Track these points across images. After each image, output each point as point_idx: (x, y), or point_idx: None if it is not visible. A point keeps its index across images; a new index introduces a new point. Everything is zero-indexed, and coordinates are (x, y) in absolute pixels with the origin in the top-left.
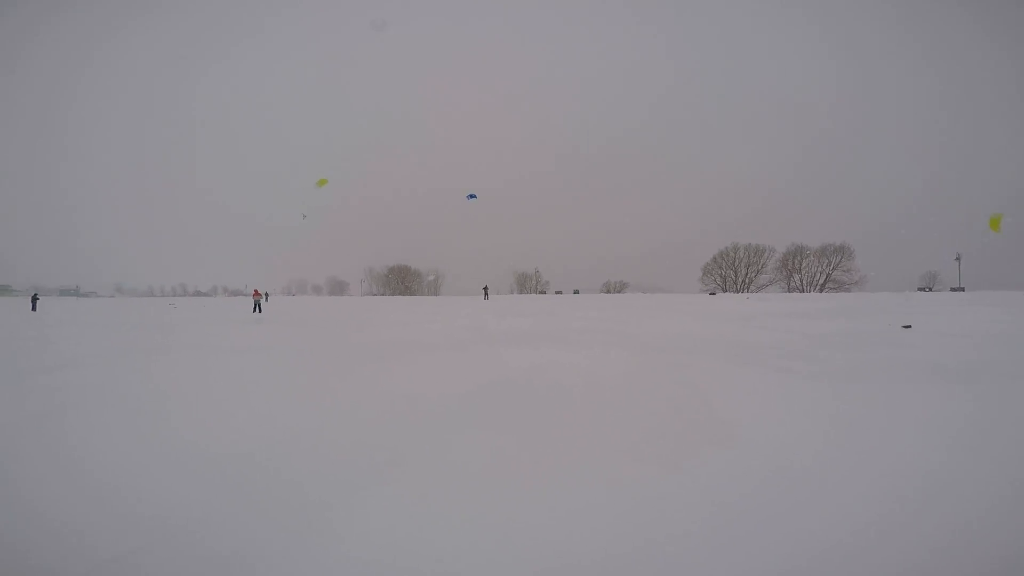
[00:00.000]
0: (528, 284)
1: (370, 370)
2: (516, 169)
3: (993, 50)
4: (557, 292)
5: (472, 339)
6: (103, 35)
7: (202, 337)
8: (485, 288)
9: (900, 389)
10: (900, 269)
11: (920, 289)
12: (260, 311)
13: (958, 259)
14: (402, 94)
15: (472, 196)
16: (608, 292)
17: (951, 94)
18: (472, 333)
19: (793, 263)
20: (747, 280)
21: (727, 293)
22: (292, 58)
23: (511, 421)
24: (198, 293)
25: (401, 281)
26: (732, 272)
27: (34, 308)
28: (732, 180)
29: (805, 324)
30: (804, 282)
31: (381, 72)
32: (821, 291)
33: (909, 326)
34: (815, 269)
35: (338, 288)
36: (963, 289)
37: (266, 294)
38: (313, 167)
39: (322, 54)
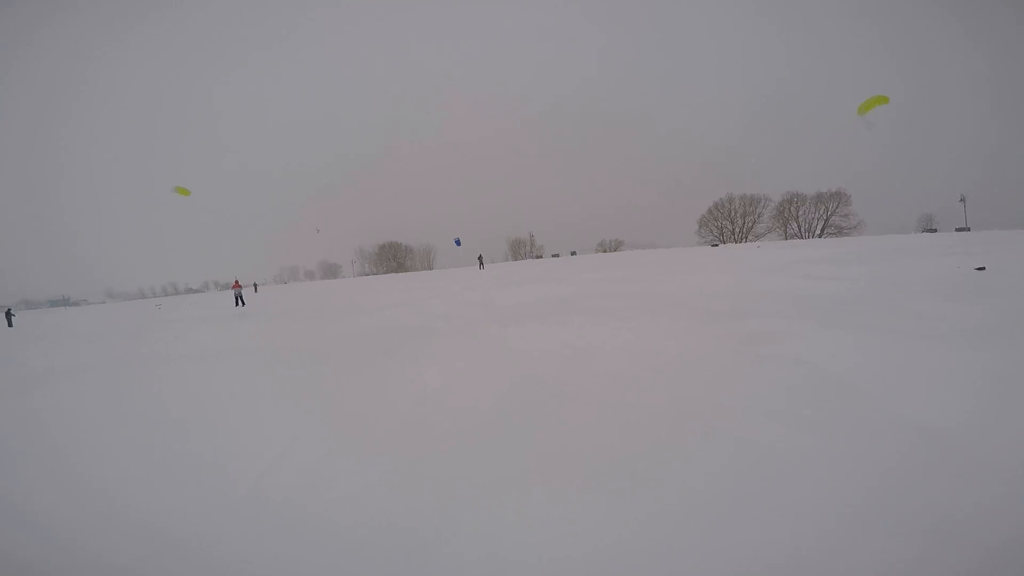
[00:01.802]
0: (522, 250)
1: (361, 382)
2: (500, 125)
3: None
4: (554, 255)
5: (480, 318)
6: (95, 41)
7: (175, 344)
8: (480, 257)
9: None
10: (894, 212)
11: (925, 230)
12: (243, 304)
13: (963, 200)
14: (382, 66)
15: (458, 242)
16: (605, 251)
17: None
18: (478, 310)
19: (789, 211)
20: (744, 229)
21: (727, 244)
22: (274, 50)
23: (569, 472)
24: (189, 290)
25: (393, 258)
26: (729, 223)
27: (10, 324)
28: (717, 127)
29: (853, 270)
30: (802, 229)
31: (358, 46)
32: (821, 237)
33: (983, 268)
34: (812, 216)
35: (331, 271)
36: (968, 229)
37: (255, 284)
38: (297, 158)
39: (305, 38)
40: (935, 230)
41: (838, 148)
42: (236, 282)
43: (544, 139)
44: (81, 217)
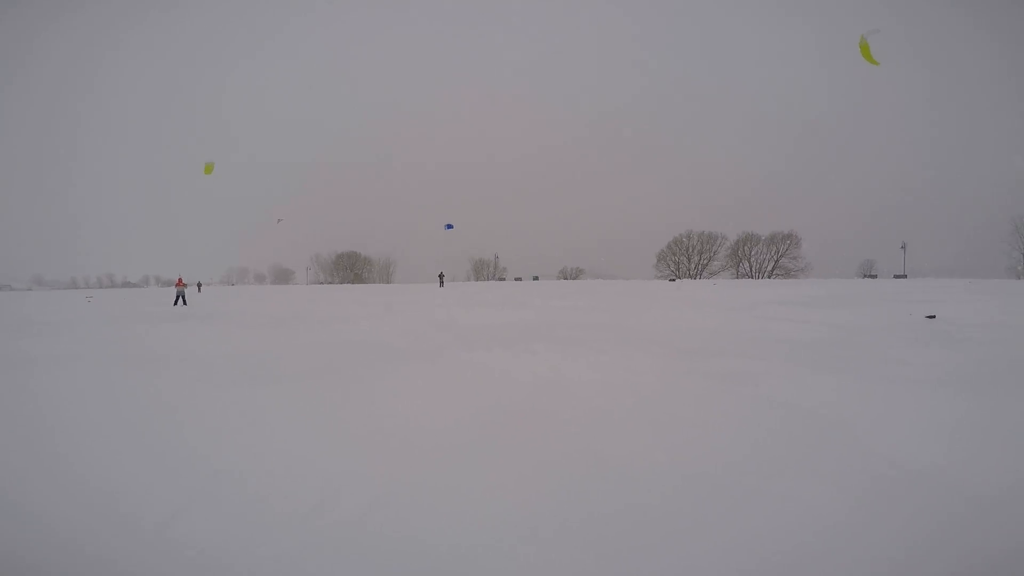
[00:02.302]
0: (485, 271)
1: (313, 412)
2: (472, 154)
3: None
4: (517, 279)
5: (444, 340)
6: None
7: (93, 343)
8: (441, 275)
9: None
10: (837, 257)
11: (866, 276)
12: (184, 303)
13: (903, 247)
14: (351, 78)
15: (450, 226)
16: (565, 278)
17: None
18: (441, 331)
19: (743, 250)
20: (700, 266)
21: (683, 280)
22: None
23: (553, 529)
24: (127, 284)
25: (350, 268)
26: (686, 258)
27: None
28: (681, 173)
29: (815, 314)
30: (753, 268)
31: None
32: (770, 277)
33: (933, 316)
34: (764, 256)
35: (283, 276)
36: (905, 276)
37: (199, 284)
38: (258, 157)
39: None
40: (875, 276)
41: (789, 194)
42: (180, 280)
43: (516, 172)
44: (6, 196)
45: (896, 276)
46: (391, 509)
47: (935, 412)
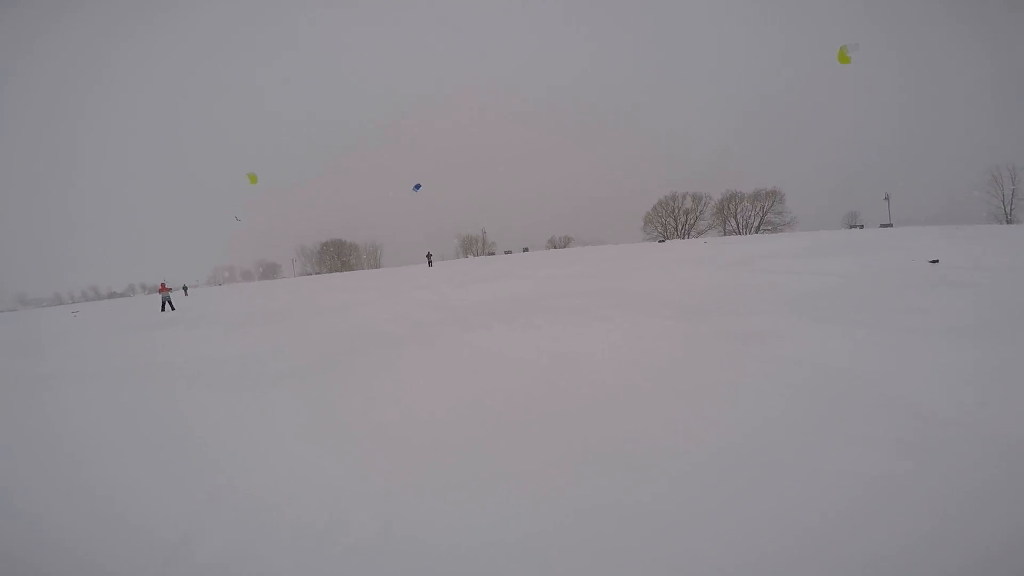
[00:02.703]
0: (474, 247)
1: (312, 416)
2: (448, 122)
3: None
4: (507, 252)
5: (438, 320)
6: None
7: (85, 358)
8: (429, 255)
9: None
10: (821, 210)
11: (851, 227)
12: (172, 308)
13: (887, 198)
14: (332, 64)
15: (417, 186)
16: (555, 247)
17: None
18: (435, 311)
19: (729, 208)
20: (687, 226)
21: (672, 240)
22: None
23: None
24: (113, 294)
25: (337, 256)
26: (673, 220)
27: None
28: (658, 137)
29: (814, 264)
30: (740, 226)
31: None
32: (757, 232)
33: (936, 261)
34: (750, 213)
35: (270, 271)
36: (891, 225)
37: (184, 287)
38: (234, 150)
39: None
40: (862, 226)
41: (775, 148)
42: (163, 285)
43: (500, 137)
44: None
45: (882, 225)
46: (404, 524)
47: (963, 359)
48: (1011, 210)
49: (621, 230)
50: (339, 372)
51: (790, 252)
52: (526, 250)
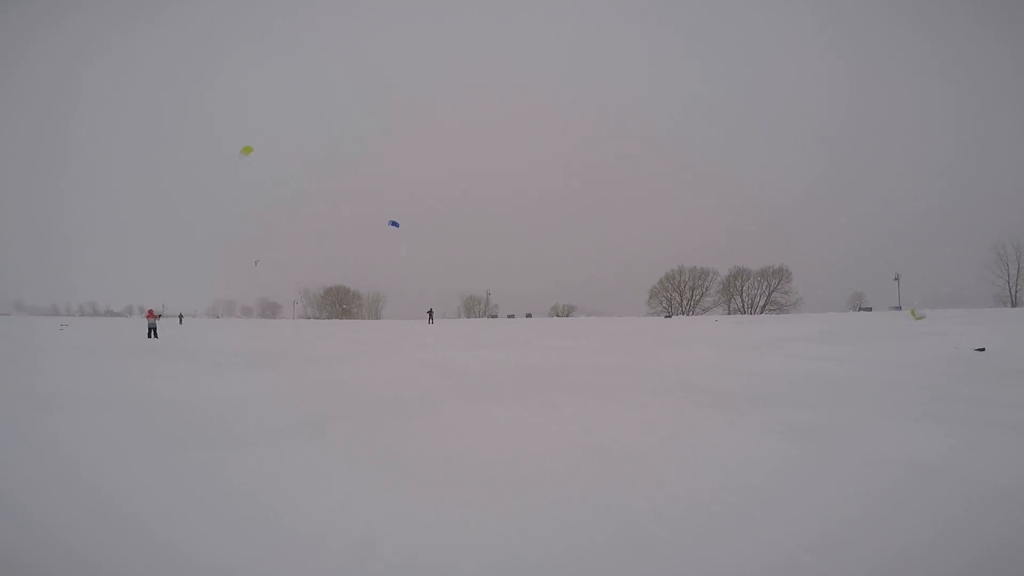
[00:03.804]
0: (477, 308)
1: (269, 509)
2: (460, 187)
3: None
4: (509, 316)
5: (442, 387)
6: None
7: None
8: (430, 312)
9: None
10: (824, 291)
11: (861, 308)
12: (156, 336)
13: (897, 279)
14: (344, 108)
15: (395, 224)
16: (557, 315)
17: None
18: (438, 375)
19: (734, 285)
20: (692, 302)
21: (677, 316)
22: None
23: None
24: (110, 313)
25: (339, 303)
26: (678, 294)
27: None
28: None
29: (844, 350)
30: (745, 304)
31: (319, 81)
32: (762, 312)
33: (983, 349)
34: (756, 291)
35: (270, 310)
36: (900, 308)
37: (179, 315)
38: (250, 182)
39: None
40: (870, 308)
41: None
42: (150, 311)
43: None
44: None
45: (892, 308)
46: None
47: None
48: (1016, 291)
49: (621, 301)
50: (316, 444)
51: (815, 336)
52: (529, 315)
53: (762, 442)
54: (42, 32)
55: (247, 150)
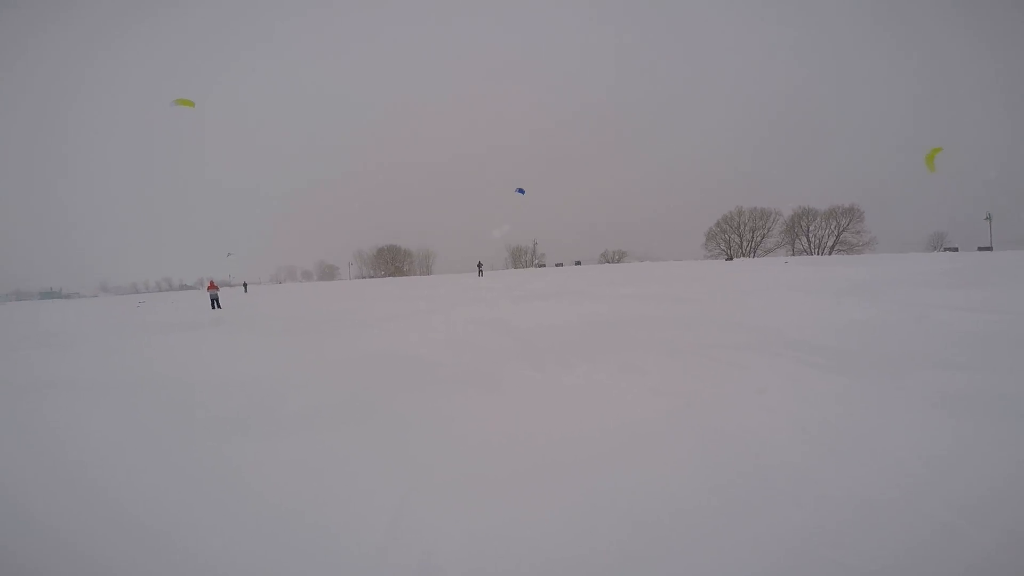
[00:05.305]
0: (524, 258)
1: (312, 503)
2: (502, 136)
3: None
4: (558, 264)
5: (498, 349)
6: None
7: (104, 366)
8: (479, 264)
9: None
10: (902, 229)
11: (946, 249)
12: (219, 307)
13: (988, 218)
14: (390, 76)
15: (521, 191)
16: (608, 262)
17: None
18: (492, 334)
19: (800, 226)
20: (753, 244)
21: (739, 259)
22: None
23: None
24: (183, 286)
25: (391, 262)
26: (737, 236)
27: None
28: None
29: (975, 295)
30: (812, 245)
31: (366, 57)
32: (830, 254)
33: None
34: (823, 231)
35: (328, 273)
36: (991, 248)
37: (244, 284)
38: (298, 159)
39: (314, 48)
40: (956, 248)
41: (849, 161)
42: (211, 283)
43: (552, 149)
44: (79, 211)
45: (980, 248)
46: None
47: None
48: None
49: (671, 246)
50: (363, 426)
51: (915, 279)
52: (578, 263)
53: (917, 417)
54: (42, 27)
55: (184, 103)
